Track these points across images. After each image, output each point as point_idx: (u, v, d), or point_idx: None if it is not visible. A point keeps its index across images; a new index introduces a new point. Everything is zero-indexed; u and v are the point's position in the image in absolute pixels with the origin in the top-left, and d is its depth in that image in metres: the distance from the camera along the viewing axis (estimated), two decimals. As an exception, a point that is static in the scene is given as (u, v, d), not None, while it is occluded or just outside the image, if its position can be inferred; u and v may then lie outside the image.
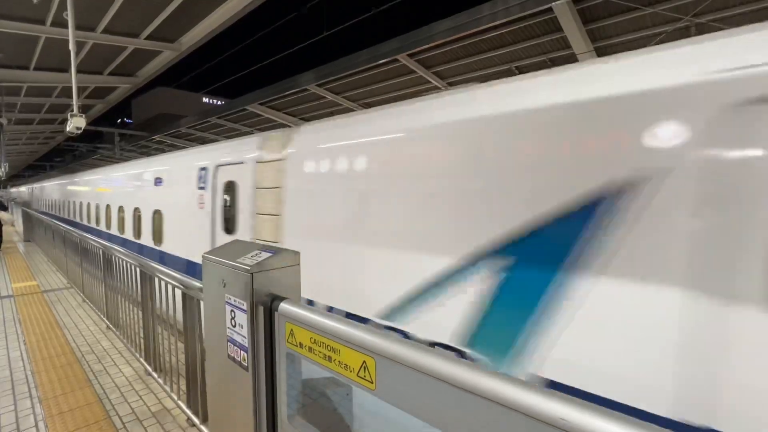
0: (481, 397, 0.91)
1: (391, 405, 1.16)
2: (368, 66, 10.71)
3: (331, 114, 15.59)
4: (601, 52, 8.99)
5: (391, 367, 1.16)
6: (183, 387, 2.71)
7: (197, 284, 2.34)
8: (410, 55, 10.22)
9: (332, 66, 11.41)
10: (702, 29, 7.74)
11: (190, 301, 2.50)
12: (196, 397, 2.50)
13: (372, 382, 1.22)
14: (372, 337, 1.23)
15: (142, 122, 55.22)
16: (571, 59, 9.21)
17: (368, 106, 14.25)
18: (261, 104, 15.33)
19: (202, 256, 2.07)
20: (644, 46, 9.23)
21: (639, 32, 8.17)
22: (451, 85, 11.94)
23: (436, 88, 11.97)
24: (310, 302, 3.47)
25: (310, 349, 1.46)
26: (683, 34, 7.98)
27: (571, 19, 7.71)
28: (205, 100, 57.99)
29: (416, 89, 12.25)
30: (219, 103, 48.39)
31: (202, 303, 2.25)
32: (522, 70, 10.40)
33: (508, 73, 10.67)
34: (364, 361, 1.24)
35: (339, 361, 1.34)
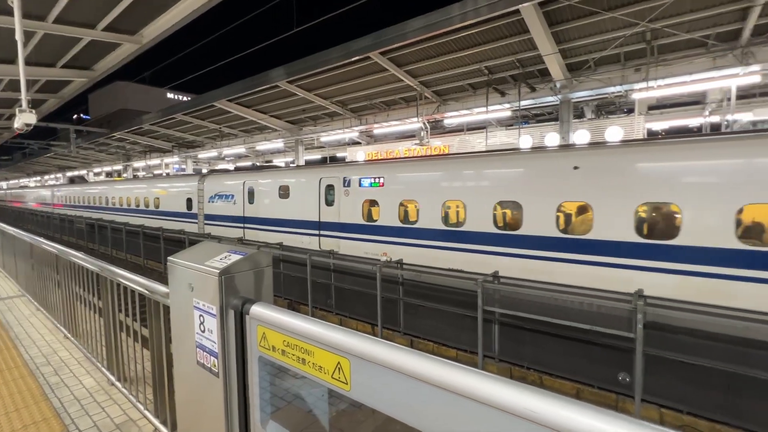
0: (457, 394, 0.92)
1: (367, 405, 1.15)
2: (340, 63, 10.61)
3: (303, 111, 15.33)
4: (566, 54, 9.33)
5: (365, 367, 1.15)
6: (150, 396, 2.60)
7: (163, 288, 2.24)
8: (382, 53, 10.23)
9: (303, 62, 11.23)
10: (657, 34, 8.19)
11: (155, 306, 2.40)
12: (164, 406, 2.40)
13: (347, 383, 1.21)
14: (346, 337, 1.22)
15: (100, 118, 52.27)
16: (538, 60, 9.51)
17: (341, 104, 14.14)
18: (229, 100, 14.88)
19: (168, 260, 1.98)
20: (605, 48, 9.64)
21: (600, 35, 8.55)
22: (423, 84, 12.00)
23: (408, 87, 12.01)
24: None
25: (283, 352, 1.43)
26: (639, 38, 8.42)
27: (537, 22, 7.96)
28: (170, 95, 55.54)
29: (387, 87, 12.26)
30: (185, 99, 46.50)
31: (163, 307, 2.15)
32: (491, 70, 10.64)
33: (478, 73, 10.87)
34: (339, 362, 1.23)
35: (313, 363, 1.32)
